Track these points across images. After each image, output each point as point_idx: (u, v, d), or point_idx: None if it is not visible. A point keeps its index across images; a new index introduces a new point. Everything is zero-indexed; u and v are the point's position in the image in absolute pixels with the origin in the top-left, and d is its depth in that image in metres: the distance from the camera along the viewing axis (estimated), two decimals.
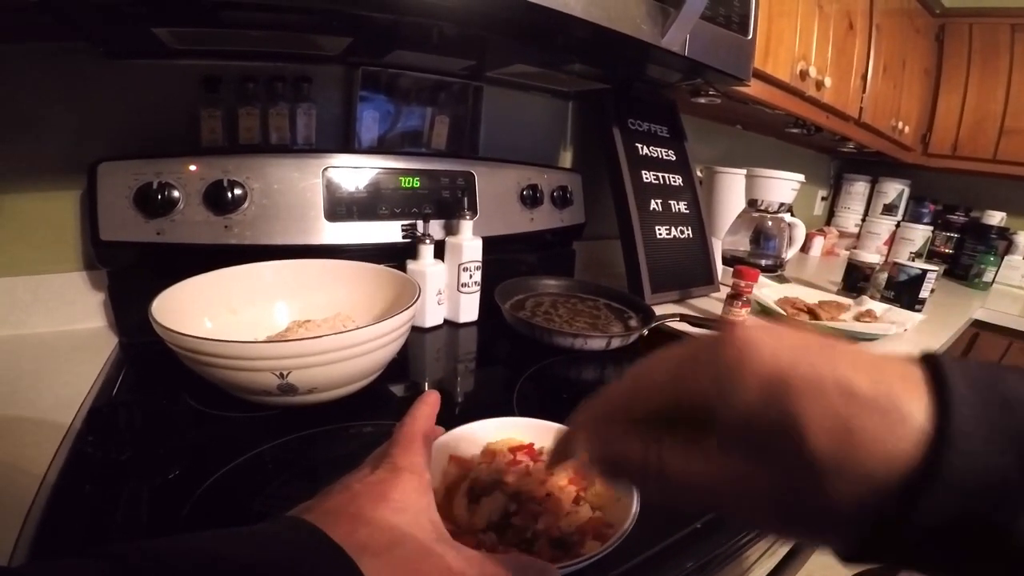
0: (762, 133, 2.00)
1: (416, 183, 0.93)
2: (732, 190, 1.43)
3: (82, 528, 0.44)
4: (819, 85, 1.38)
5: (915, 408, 0.20)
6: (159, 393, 0.66)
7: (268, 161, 0.80)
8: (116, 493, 0.48)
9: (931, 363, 0.22)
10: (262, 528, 0.29)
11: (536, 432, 0.53)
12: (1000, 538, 0.19)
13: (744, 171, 1.41)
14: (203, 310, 0.67)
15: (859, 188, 2.56)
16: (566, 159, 1.39)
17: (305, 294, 0.77)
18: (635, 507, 0.42)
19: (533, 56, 0.94)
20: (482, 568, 0.32)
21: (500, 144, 1.18)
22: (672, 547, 0.48)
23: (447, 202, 0.96)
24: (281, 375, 0.53)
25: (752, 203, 1.41)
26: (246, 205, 0.78)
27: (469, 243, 0.91)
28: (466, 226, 0.91)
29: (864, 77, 1.67)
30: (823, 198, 2.68)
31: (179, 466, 0.52)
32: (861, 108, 1.69)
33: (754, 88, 1.15)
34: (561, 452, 0.32)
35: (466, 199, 0.96)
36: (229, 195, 0.75)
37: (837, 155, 2.48)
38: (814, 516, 0.22)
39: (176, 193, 0.73)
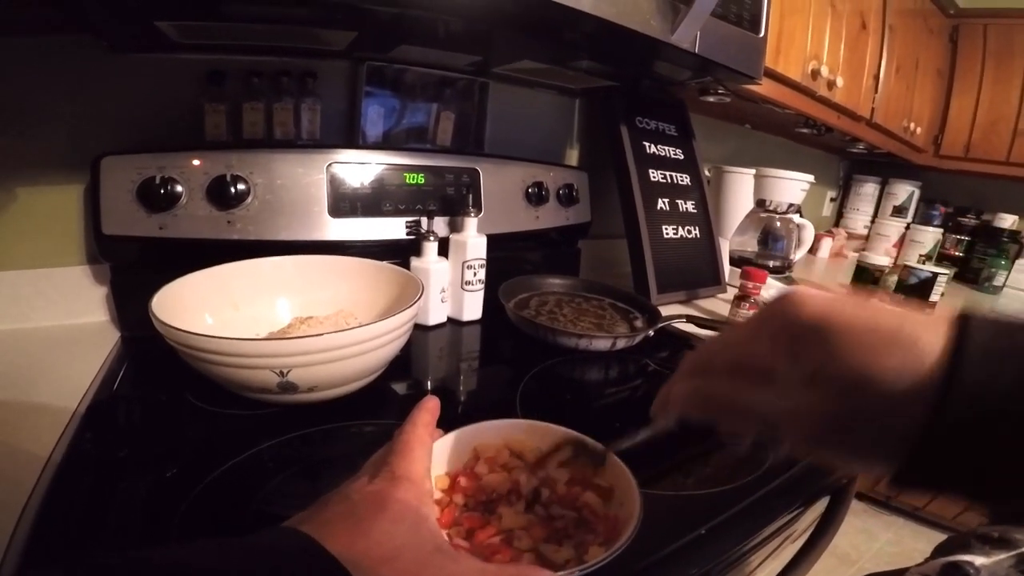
0: (771, 133, 1.98)
1: (421, 179, 0.92)
2: (740, 190, 1.42)
3: (80, 524, 0.43)
4: (831, 85, 1.37)
5: (933, 339, 0.25)
6: (160, 389, 0.65)
7: (272, 156, 0.79)
8: (115, 489, 0.48)
9: (960, 313, 0.26)
10: (257, 539, 0.28)
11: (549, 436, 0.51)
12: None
13: (753, 171, 1.40)
14: (204, 306, 0.67)
15: (868, 189, 2.54)
16: (572, 157, 1.38)
17: (308, 290, 0.76)
18: (637, 513, 0.41)
19: (541, 52, 0.93)
20: None
21: (506, 141, 1.17)
22: (675, 553, 0.47)
23: (452, 199, 0.95)
24: (281, 373, 0.53)
25: (760, 203, 1.39)
26: (249, 200, 0.77)
27: (473, 240, 0.90)
28: (471, 223, 0.90)
29: (876, 77, 1.65)
30: (832, 199, 2.66)
31: (178, 463, 0.52)
32: (873, 108, 1.67)
33: (765, 87, 1.13)
34: (663, 402, 0.37)
35: (471, 196, 0.95)
36: (232, 190, 0.75)
37: (847, 156, 2.46)
38: (857, 432, 0.27)
39: (179, 188, 0.73)
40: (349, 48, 0.88)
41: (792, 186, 1.35)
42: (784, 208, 1.38)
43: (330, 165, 0.83)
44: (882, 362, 0.25)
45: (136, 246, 0.73)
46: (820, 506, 0.72)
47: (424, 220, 0.89)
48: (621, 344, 0.87)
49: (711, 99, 1.22)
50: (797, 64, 1.23)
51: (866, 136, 1.77)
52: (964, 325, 0.25)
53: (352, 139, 0.99)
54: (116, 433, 0.57)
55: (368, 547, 0.30)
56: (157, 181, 0.71)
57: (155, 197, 0.71)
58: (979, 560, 0.84)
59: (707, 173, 1.42)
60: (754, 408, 0.30)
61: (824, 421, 0.27)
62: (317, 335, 0.53)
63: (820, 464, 0.34)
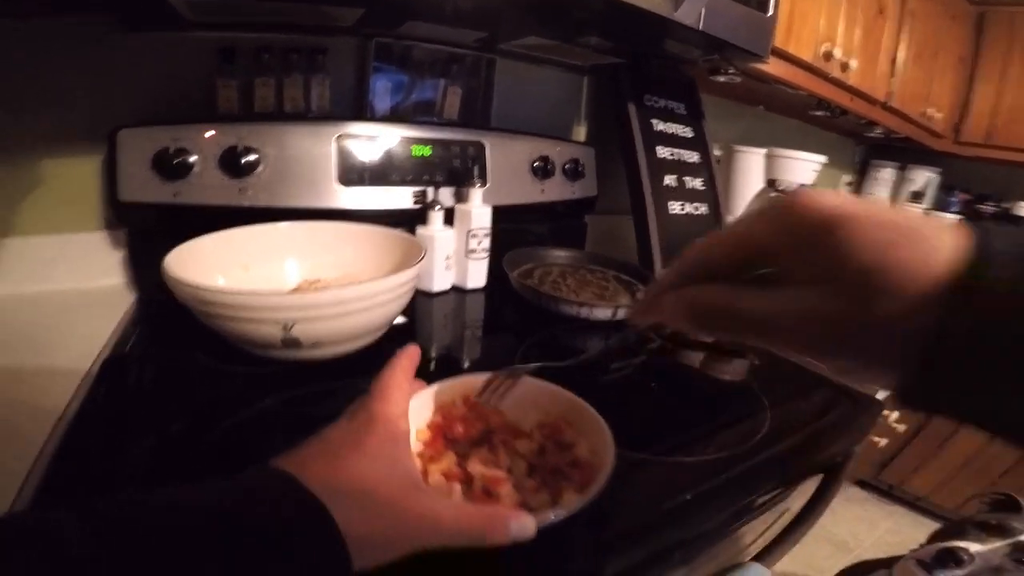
0: (785, 115, 1.96)
1: (427, 152, 0.94)
2: (751, 169, 1.41)
3: (89, 470, 0.45)
4: (844, 66, 1.35)
5: (952, 237, 0.22)
6: (171, 348, 0.68)
7: (283, 128, 0.82)
8: (124, 441, 0.50)
9: (974, 222, 0.24)
10: (238, 477, 0.31)
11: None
12: None
13: (764, 151, 1.39)
14: (216, 266, 0.69)
15: (886, 175, 2.50)
16: (580, 133, 1.38)
17: (316, 254, 0.78)
18: (611, 461, 0.42)
19: (547, 28, 0.93)
20: (456, 514, 0.34)
21: (513, 116, 1.18)
22: (660, 518, 0.48)
23: (458, 171, 0.97)
24: (285, 327, 0.55)
25: (771, 183, 1.39)
26: (260, 169, 0.79)
27: (478, 210, 0.92)
28: (476, 194, 0.92)
29: (893, 61, 1.63)
30: (848, 183, 2.63)
31: (186, 417, 0.54)
32: (889, 92, 1.65)
33: (775, 67, 1.13)
34: (647, 309, 0.33)
35: (476, 168, 0.96)
36: (243, 160, 0.77)
37: (864, 140, 2.42)
38: (866, 337, 0.24)
39: (192, 158, 0.75)
40: (357, 24, 0.89)
41: (803, 166, 1.35)
42: (794, 188, 1.38)
43: (339, 137, 0.85)
44: (897, 255, 0.22)
45: (151, 212, 0.76)
46: (814, 486, 0.72)
47: (430, 190, 0.91)
48: (622, 314, 0.88)
49: (721, 79, 1.22)
50: (809, 45, 1.22)
51: (882, 120, 1.74)
52: (982, 227, 0.23)
53: (360, 114, 1.01)
54: (128, 389, 0.59)
55: (348, 478, 0.32)
56: (171, 151, 0.74)
57: (169, 166, 0.74)
58: (974, 547, 0.85)
59: (717, 152, 1.41)
60: (757, 314, 0.27)
61: (832, 323, 0.25)
62: (319, 291, 0.55)
63: (829, 369, 0.28)
